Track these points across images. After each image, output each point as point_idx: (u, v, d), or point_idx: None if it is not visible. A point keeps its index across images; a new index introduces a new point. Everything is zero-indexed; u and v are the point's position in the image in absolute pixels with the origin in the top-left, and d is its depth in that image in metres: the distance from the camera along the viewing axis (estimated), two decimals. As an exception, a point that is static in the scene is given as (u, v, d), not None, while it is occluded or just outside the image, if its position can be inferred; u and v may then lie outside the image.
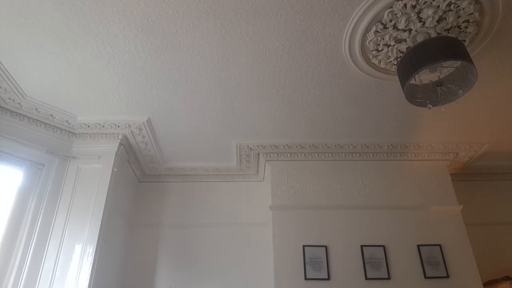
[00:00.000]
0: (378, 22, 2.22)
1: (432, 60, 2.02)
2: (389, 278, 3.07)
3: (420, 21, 2.18)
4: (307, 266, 3.10)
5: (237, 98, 2.94)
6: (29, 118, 3.01)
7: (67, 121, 3.16)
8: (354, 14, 2.18)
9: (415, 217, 3.37)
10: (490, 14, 2.17)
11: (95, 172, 3.13)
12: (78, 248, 2.82)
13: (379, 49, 2.42)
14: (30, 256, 2.71)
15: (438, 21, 2.16)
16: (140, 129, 3.30)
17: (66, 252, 2.80)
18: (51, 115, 3.08)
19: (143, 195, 4.00)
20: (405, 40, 2.32)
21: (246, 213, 3.87)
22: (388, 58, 2.48)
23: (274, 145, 3.58)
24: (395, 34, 2.28)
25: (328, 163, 3.66)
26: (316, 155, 3.66)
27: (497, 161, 3.98)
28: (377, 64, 2.55)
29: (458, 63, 2.16)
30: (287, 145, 3.58)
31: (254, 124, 3.28)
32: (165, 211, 3.91)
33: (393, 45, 2.37)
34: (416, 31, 2.23)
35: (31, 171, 2.97)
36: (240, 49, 2.44)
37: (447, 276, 3.08)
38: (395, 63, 2.49)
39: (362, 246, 3.20)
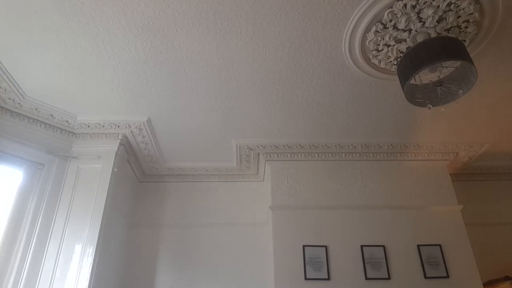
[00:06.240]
0: (378, 22, 2.22)
1: (432, 60, 2.01)
2: (389, 278, 3.07)
3: (420, 21, 2.18)
4: (307, 266, 3.10)
5: (237, 98, 2.94)
6: (29, 118, 3.01)
7: (67, 121, 3.16)
8: (354, 14, 2.18)
9: (415, 217, 3.37)
10: (490, 14, 2.17)
11: (95, 172, 3.13)
12: (78, 248, 2.82)
13: (379, 49, 2.42)
14: (30, 256, 2.71)
15: (438, 21, 2.16)
16: (140, 129, 3.30)
17: (66, 252, 2.80)
18: (51, 115, 3.08)
19: (143, 195, 4.00)
20: (405, 40, 2.32)
21: (246, 213, 3.87)
22: (388, 58, 2.48)
23: (274, 145, 3.58)
24: (395, 34, 2.28)
25: (328, 163, 3.66)
26: (316, 155, 3.66)
27: (497, 161, 3.98)
28: (377, 64, 2.55)
29: (458, 63, 2.16)
30: (287, 145, 3.58)
31: (254, 124, 3.28)
32: (165, 211, 3.91)
33: (393, 45, 2.37)
34: (416, 31, 2.23)
35: (31, 171, 2.97)
36: (240, 49, 2.44)
37: (447, 276, 3.08)
38: (395, 63, 2.49)
39: (362, 246, 3.20)
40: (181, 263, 3.61)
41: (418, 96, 2.32)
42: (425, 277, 3.08)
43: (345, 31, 2.31)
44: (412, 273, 3.10)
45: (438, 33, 2.21)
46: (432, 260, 3.15)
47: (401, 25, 2.21)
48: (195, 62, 2.56)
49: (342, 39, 2.38)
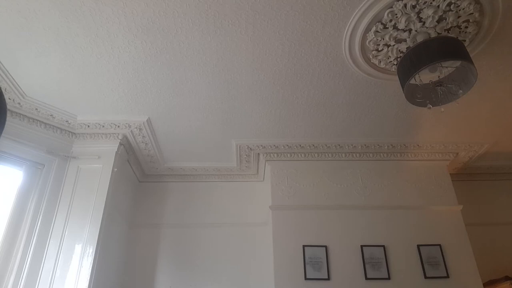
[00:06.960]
0: (378, 22, 2.22)
1: (432, 60, 2.01)
2: (389, 278, 3.07)
3: (420, 21, 2.18)
4: (307, 266, 3.10)
5: (237, 98, 2.94)
6: (29, 118, 3.01)
7: (67, 121, 3.16)
8: (354, 14, 2.18)
9: (415, 217, 3.37)
10: (490, 14, 2.17)
11: (95, 172, 3.13)
12: (78, 248, 2.82)
13: (379, 49, 2.42)
14: (30, 256, 2.71)
15: (438, 21, 2.16)
16: (140, 129, 3.30)
17: (66, 252, 2.80)
18: (51, 115, 3.08)
19: (143, 195, 4.00)
20: (405, 40, 2.32)
21: (246, 213, 3.87)
22: (388, 58, 2.48)
23: (274, 145, 3.58)
24: (395, 34, 2.28)
25: (328, 163, 3.66)
26: (316, 155, 3.66)
27: (497, 161, 3.98)
28: (377, 64, 2.55)
29: (458, 63, 2.17)
30: (287, 145, 3.58)
31: (254, 124, 3.28)
32: (165, 211, 3.91)
33: (393, 45, 2.37)
34: (416, 31, 2.23)
35: (31, 171, 2.97)
36: (240, 49, 2.44)
37: (447, 276, 3.08)
38: (395, 63, 2.49)
39: (362, 246, 3.20)
40: (181, 263, 3.61)
41: (418, 96, 2.32)
42: (425, 277, 3.08)
43: (345, 31, 2.31)
44: (412, 273, 3.10)
45: (438, 33, 2.21)
46: (432, 260, 3.15)
47: (401, 25, 2.21)
48: (195, 62, 2.56)
49: (342, 39, 2.38)
